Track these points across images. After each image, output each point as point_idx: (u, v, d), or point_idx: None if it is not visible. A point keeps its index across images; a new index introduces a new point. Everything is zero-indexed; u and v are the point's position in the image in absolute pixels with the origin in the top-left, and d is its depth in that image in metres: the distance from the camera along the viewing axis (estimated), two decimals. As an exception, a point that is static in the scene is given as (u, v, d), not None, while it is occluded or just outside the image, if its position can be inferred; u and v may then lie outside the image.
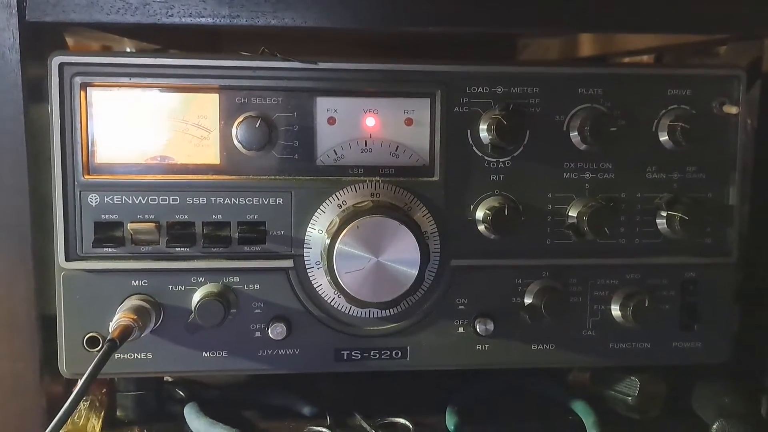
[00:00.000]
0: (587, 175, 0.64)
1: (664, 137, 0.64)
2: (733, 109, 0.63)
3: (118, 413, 0.66)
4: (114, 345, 0.54)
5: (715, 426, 0.62)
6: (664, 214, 0.64)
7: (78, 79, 0.58)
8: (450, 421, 0.65)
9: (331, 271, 0.58)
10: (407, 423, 0.66)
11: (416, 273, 0.58)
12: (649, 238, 0.65)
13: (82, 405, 0.63)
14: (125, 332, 0.55)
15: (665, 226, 0.64)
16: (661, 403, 0.68)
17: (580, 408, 0.68)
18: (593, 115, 0.62)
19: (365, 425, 0.65)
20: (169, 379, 0.72)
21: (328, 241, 0.58)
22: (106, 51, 0.65)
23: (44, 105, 0.61)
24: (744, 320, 0.71)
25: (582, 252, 0.64)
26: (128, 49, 0.87)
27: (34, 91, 0.60)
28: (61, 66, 0.58)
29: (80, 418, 0.61)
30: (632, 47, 1.01)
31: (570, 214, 0.64)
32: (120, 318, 0.56)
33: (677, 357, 0.67)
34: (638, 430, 0.68)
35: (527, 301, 0.64)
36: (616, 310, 0.65)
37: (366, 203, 0.59)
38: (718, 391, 0.67)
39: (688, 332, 0.66)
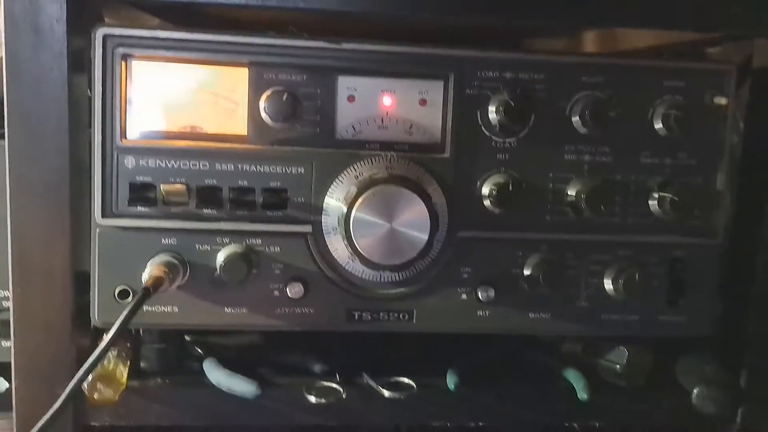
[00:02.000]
0: (586, 157, 0.69)
1: (658, 125, 0.69)
2: (723, 101, 0.68)
3: (142, 364, 0.71)
4: (148, 293, 0.58)
5: (696, 391, 0.67)
6: (656, 195, 0.69)
7: (120, 50, 0.63)
8: (451, 381, 0.70)
9: (348, 236, 0.63)
10: (411, 382, 0.71)
11: (426, 239, 0.62)
12: (641, 218, 0.70)
13: (111, 354, 0.67)
14: (158, 282, 0.60)
15: (657, 207, 0.69)
16: (647, 372, 0.73)
17: (571, 375, 0.73)
18: (594, 102, 0.67)
19: (372, 383, 0.70)
20: (188, 338, 0.76)
21: (345, 209, 0.63)
22: (148, 27, 0.69)
23: (84, 75, 0.66)
24: (728, 298, 0.75)
25: (579, 228, 0.69)
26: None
27: (77, 61, 0.64)
28: (105, 38, 0.62)
29: (110, 364, 0.65)
30: (631, 47, 1.06)
31: (569, 192, 0.68)
32: (153, 269, 0.61)
33: (663, 329, 0.71)
34: (626, 397, 0.73)
35: (526, 272, 0.69)
36: (608, 284, 0.70)
37: (381, 174, 0.64)
38: (700, 361, 0.72)
39: (675, 307, 0.71)
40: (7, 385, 0.76)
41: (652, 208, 0.69)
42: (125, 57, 0.63)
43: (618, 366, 0.72)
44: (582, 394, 0.70)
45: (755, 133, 0.74)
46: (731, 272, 0.75)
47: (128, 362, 0.69)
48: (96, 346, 0.70)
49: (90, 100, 0.64)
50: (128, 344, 0.72)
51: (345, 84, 0.66)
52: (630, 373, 0.72)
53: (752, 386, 0.73)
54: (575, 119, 0.68)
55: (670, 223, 0.69)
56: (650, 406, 0.73)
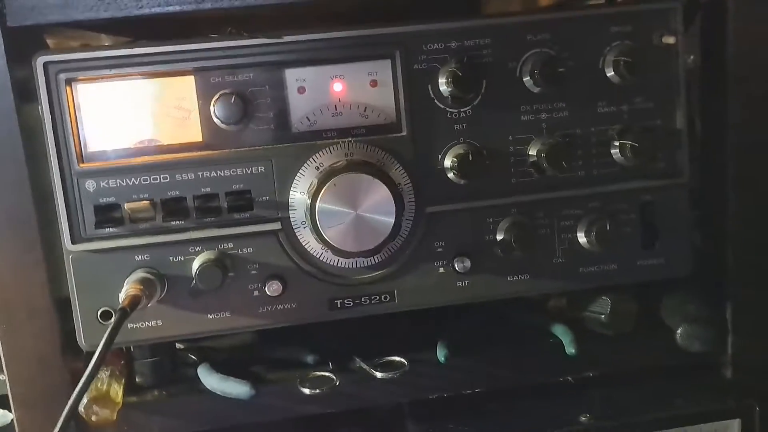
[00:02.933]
0: (543, 116, 0.69)
1: (610, 72, 0.68)
2: (671, 39, 0.68)
3: (137, 380, 0.72)
4: (125, 313, 0.59)
5: (679, 330, 0.68)
6: (616, 144, 0.69)
7: (63, 76, 0.63)
8: (440, 353, 0.71)
9: (315, 229, 0.63)
10: (402, 360, 0.72)
11: (393, 221, 0.63)
12: (605, 168, 0.70)
13: (104, 374, 0.68)
14: (134, 301, 0.60)
15: (619, 155, 0.69)
16: (633, 318, 0.74)
17: (559, 331, 0.74)
18: (542, 59, 0.67)
19: (365, 366, 0.71)
20: (181, 346, 0.78)
21: (309, 202, 0.63)
22: (86, 47, 0.69)
23: (33, 103, 0.66)
24: (704, 235, 0.76)
25: (545, 187, 0.69)
26: (106, 44, 0.91)
27: (23, 91, 0.64)
28: (46, 65, 0.62)
29: (103, 385, 0.66)
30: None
31: (530, 153, 0.69)
32: (128, 289, 0.62)
33: (642, 274, 0.72)
34: (615, 345, 0.74)
35: (499, 237, 0.69)
36: (582, 237, 0.70)
37: (340, 163, 0.64)
38: (683, 300, 0.73)
39: (651, 250, 0.72)
40: (11, 416, 0.77)
41: (615, 157, 0.70)
42: (69, 81, 0.63)
43: (603, 316, 0.73)
44: (570, 349, 0.71)
45: (710, 66, 0.74)
46: (703, 208, 0.75)
47: (123, 380, 0.70)
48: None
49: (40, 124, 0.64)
50: (122, 362, 0.73)
51: (293, 76, 0.66)
52: (616, 321, 0.73)
53: (737, 318, 0.73)
54: (527, 79, 0.68)
55: (635, 168, 0.70)
56: (639, 350, 0.74)
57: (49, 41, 0.74)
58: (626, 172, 0.70)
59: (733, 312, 0.74)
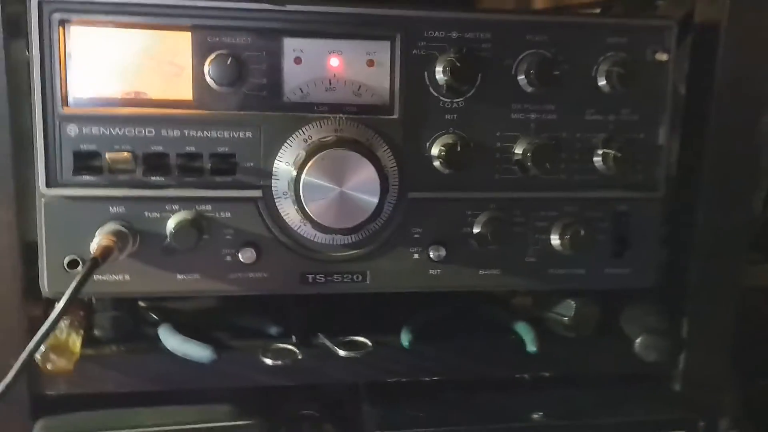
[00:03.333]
0: (532, 116, 0.70)
1: (602, 81, 0.70)
2: (664, 57, 0.70)
3: (96, 332, 0.70)
4: (96, 263, 0.58)
5: (639, 340, 0.70)
6: (600, 152, 0.70)
7: (57, 16, 0.61)
8: (405, 338, 0.72)
9: (298, 200, 0.63)
10: (366, 341, 0.72)
11: (377, 201, 0.63)
12: (586, 174, 0.71)
13: (63, 324, 0.67)
14: (106, 252, 0.59)
15: (601, 163, 0.70)
16: (594, 323, 0.75)
17: (521, 328, 0.75)
18: (539, 60, 0.67)
19: (327, 343, 0.71)
20: (143, 304, 0.77)
21: (295, 173, 0.63)
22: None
23: (22, 41, 0.64)
24: (669, 250, 0.78)
25: (526, 186, 0.70)
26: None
27: (12, 27, 0.63)
28: (40, 3, 0.60)
29: (62, 334, 0.65)
30: (581, 0, 1.07)
31: (516, 151, 0.69)
32: (101, 239, 0.61)
33: (609, 282, 0.73)
34: (574, 348, 0.75)
35: (476, 230, 0.70)
36: (555, 239, 0.71)
37: (330, 137, 0.64)
38: (643, 311, 0.75)
39: (619, 260, 0.73)
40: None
41: (596, 165, 0.71)
42: (62, 22, 0.61)
43: (566, 318, 0.74)
44: (531, 347, 0.72)
45: (696, 86, 0.76)
46: (673, 223, 0.78)
47: (82, 331, 0.69)
48: (48, 316, 0.70)
49: (28, 65, 0.63)
50: (81, 313, 0.72)
51: (291, 46, 0.65)
52: (578, 324, 0.74)
53: (693, 334, 0.76)
54: (521, 78, 0.68)
55: (614, 178, 0.71)
56: (596, 355, 0.76)
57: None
58: (605, 181, 0.71)
59: (689, 327, 0.76)
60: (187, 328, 0.71)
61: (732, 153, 0.73)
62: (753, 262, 0.97)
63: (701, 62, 0.74)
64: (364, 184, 0.63)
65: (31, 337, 0.65)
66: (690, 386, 0.77)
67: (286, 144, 0.65)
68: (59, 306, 0.57)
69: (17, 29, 0.63)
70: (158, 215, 0.65)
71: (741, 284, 0.77)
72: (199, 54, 0.64)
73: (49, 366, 0.63)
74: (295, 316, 0.76)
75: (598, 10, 1.11)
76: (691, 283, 0.76)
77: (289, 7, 0.65)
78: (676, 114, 0.74)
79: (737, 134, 0.73)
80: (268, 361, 0.68)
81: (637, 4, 1.06)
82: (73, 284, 0.57)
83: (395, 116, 0.67)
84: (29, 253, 0.66)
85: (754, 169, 0.76)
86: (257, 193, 0.66)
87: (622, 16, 0.73)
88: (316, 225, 0.64)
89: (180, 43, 0.64)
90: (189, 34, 0.64)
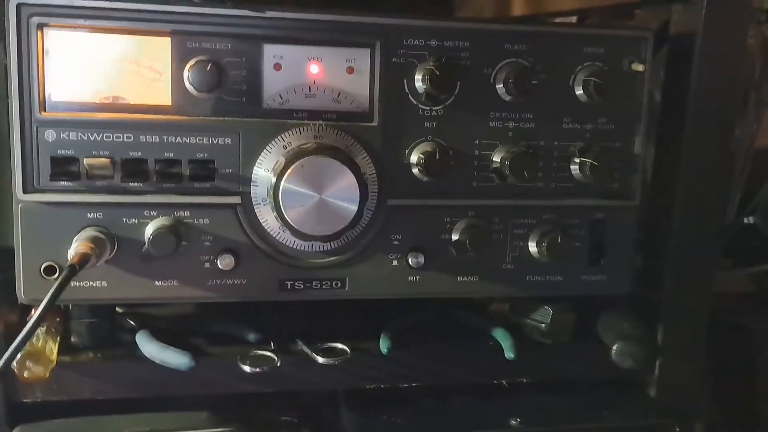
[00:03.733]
0: (510, 124, 0.70)
1: (579, 91, 0.70)
2: (640, 67, 0.71)
3: (72, 339, 0.70)
4: (73, 270, 0.58)
5: (615, 347, 0.71)
6: (577, 160, 0.71)
7: (35, 20, 0.61)
8: (383, 345, 0.72)
9: (277, 207, 0.63)
10: (345, 347, 0.72)
11: (356, 209, 0.63)
12: (563, 182, 0.72)
13: (40, 330, 0.66)
14: (84, 259, 0.59)
15: (578, 171, 0.71)
16: (571, 329, 0.76)
17: (499, 334, 0.75)
18: (517, 69, 0.68)
19: (306, 349, 0.71)
20: (120, 310, 0.76)
21: (274, 179, 0.63)
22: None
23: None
24: (645, 257, 0.79)
25: (504, 194, 0.71)
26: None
27: (-12, 30, 0.62)
28: (19, 6, 0.60)
29: (38, 341, 0.65)
30: (560, 8, 1.08)
31: (494, 159, 0.70)
32: (78, 246, 0.60)
33: (585, 288, 0.74)
34: (551, 354, 0.76)
35: (454, 237, 0.71)
36: (532, 247, 0.72)
37: (310, 144, 0.64)
38: (619, 318, 0.76)
39: (596, 267, 0.74)
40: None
41: (573, 173, 0.72)
42: (41, 26, 0.61)
43: (543, 325, 0.75)
44: (509, 354, 0.72)
45: (672, 95, 0.77)
46: (648, 230, 0.79)
47: (58, 337, 0.68)
48: (24, 321, 0.69)
49: (6, 68, 0.62)
50: (57, 319, 0.71)
51: (271, 52, 0.66)
52: (555, 331, 0.75)
53: (667, 339, 0.77)
54: (499, 87, 0.69)
55: (590, 186, 0.72)
56: (572, 361, 0.77)
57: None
58: (582, 189, 0.72)
59: (663, 334, 0.77)
60: (164, 334, 0.71)
61: (706, 161, 0.74)
62: (725, 268, 0.99)
63: (676, 72, 0.76)
64: (343, 191, 0.63)
65: (7, 343, 0.65)
66: (665, 392, 0.78)
67: (265, 150, 0.65)
68: (36, 314, 0.56)
69: (-7, 32, 0.63)
70: (136, 221, 0.65)
71: (713, 290, 0.78)
72: (178, 59, 0.64)
73: (25, 374, 0.63)
74: (272, 321, 0.75)
75: (575, 18, 1.13)
76: (666, 289, 0.77)
77: (269, 14, 0.65)
78: (651, 121, 0.76)
79: (712, 143, 0.74)
80: (247, 368, 0.68)
81: (614, 12, 1.08)
82: (51, 292, 0.57)
83: (375, 123, 0.68)
84: (4, 258, 0.66)
85: (728, 177, 0.77)
86: (236, 200, 0.66)
87: (599, 27, 0.73)
88: (295, 232, 0.64)
89: (159, 48, 0.64)
90: (168, 39, 0.64)
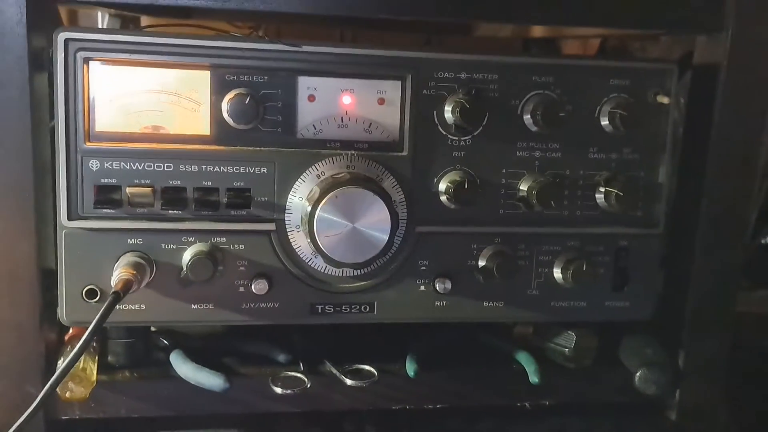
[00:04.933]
0: (537, 154, 0.72)
1: (605, 122, 0.72)
2: (665, 99, 0.72)
3: (109, 359, 0.72)
4: (118, 297, 0.60)
5: (638, 373, 0.72)
6: (602, 189, 0.72)
7: (81, 54, 0.63)
8: (409, 367, 0.73)
9: (311, 235, 0.65)
10: (372, 369, 0.74)
11: (387, 238, 0.65)
12: (588, 211, 0.74)
13: (80, 351, 0.68)
14: (127, 285, 0.61)
15: (603, 200, 0.73)
16: (593, 354, 0.77)
17: (523, 358, 0.77)
18: (545, 101, 0.70)
19: (334, 371, 0.73)
20: (153, 329, 0.78)
21: (309, 208, 0.65)
22: (107, 30, 0.69)
23: (44, 75, 0.66)
24: (667, 283, 0.80)
25: (530, 221, 0.73)
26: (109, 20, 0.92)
27: (37, 62, 0.65)
28: (66, 41, 0.63)
29: (80, 363, 0.66)
30: (580, 33, 1.09)
31: (521, 188, 0.72)
32: (121, 273, 0.62)
33: (609, 314, 0.76)
34: (573, 378, 0.77)
35: (481, 263, 0.72)
36: (557, 273, 0.74)
37: (343, 174, 0.66)
38: (641, 343, 0.77)
39: (619, 293, 0.76)
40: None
41: (598, 201, 0.73)
42: (86, 60, 0.63)
43: (567, 350, 0.76)
44: (534, 378, 0.74)
45: (694, 125, 0.78)
46: (671, 257, 0.80)
47: (96, 357, 0.71)
48: (63, 340, 0.72)
49: (50, 99, 0.65)
50: (95, 339, 0.73)
51: (305, 84, 0.68)
52: (578, 355, 0.76)
53: (689, 364, 0.78)
54: (527, 117, 0.71)
55: (615, 215, 0.73)
56: (594, 385, 0.78)
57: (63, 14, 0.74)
58: (606, 217, 0.74)
59: (685, 358, 0.79)
60: (196, 353, 0.73)
61: (729, 192, 0.75)
62: (743, 289, 1.00)
63: (700, 102, 0.77)
64: (375, 221, 0.65)
65: (47, 361, 0.68)
66: (686, 416, 0.79)
67: (299, 179, 0.68)
68: (82, 339, 0.59)
69: (40, 64, 0.65)
70: (174, 246, 0.67)
71: (734, 315, 0.79)
72: (218, 91, 0.66)
73: (67, 394, 0.65)
74: (301, 342, 0.77)
75: (598, 40, 1.14)
76: (688, 314, 0.78)
77: (305, 48, 0.67)
78: (675, 149, 0.77)
79: (735, 173, 0.75)
80: (278, 390, 0.70)
81: (634, 38, 1.09)
82: (97, 318, 0.59)
83: (405, 153, 0.70)
84: (47, 279, 0.68)
85: (750, 206, 0.78)
86: (271, 226, 0.68)
87: (624, 59, 0.75)
88: (327, 259, 0.66)
89: (199, 80, 0.66)
90: (208, 72, 0.66)
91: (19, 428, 0.58)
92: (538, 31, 1.16)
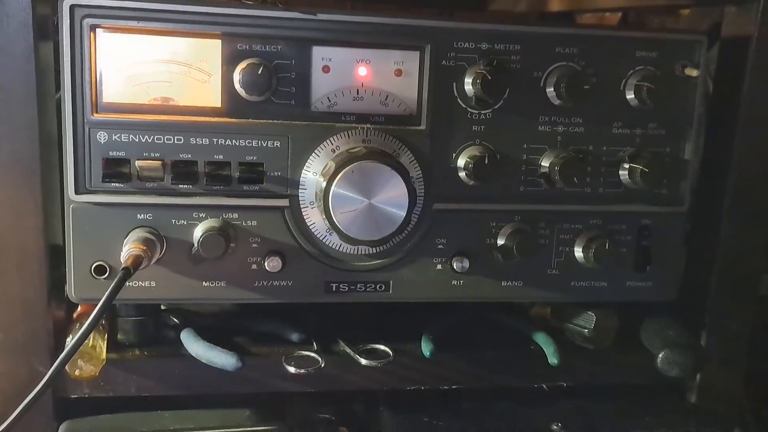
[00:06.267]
0: (560, 129, 0.69)
1: (630, 95, 0.69)
2: (694, 72, 0.69)
3: (119, 337, 0.71)
4: (128, 272, 0.58)
5: (660, 355, 0.70)
6: (626, 166, 0.70)
7: (88, 21, 0.61)
8: (425, 347, 0.72)
9: (326, 211, 0.63)
10: (387, 349, 0.72)
11: (404, 214, 0.63)
12: (611, 188, 0.71)
13: (89, 329, 0.67)
14: (137, 261, 0.59)
15: (627, 177, 0.70)
16: (613, 335, 0.75)
17: (541, 339, 0.75)
18: (568, 73, 0.67)
19: (348, 350, 0.71)
20: (164, 307, 0.77)
21: (324, 184, 0.63)
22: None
23: (49, 43, 0.64)
24: (689, 263, 0.78)
25: (551, 199, 0.70)
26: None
27: (42, 30, 0.62)
28: (72, 8, 0.60)
29: (89, 340, 0.65)
30: (600, 5, 1.06)
31: (542, 164, 0.69)
32: (131, 248, 0.61)
33: (631, 294, 0.74)
34: (593, 359, 0.76)
35: (500, 242, 0.70)
36: (578, 252, 0.72)
37: (359, 149, 0.64)
38: (663, 325, 0.75)
39: (642, 273, 0.73)
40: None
41: (622, 178, 0.71)
42: (93, 27, 0.61)
43: (587, 330, 0.75)
44: (553, 359, 0.72)
45: (722, 99, 0.76)
46: (694, 236, 0.78)
47: (105, 335, 0.69)
48: (71, 316, 0.70)
49: (56, 69, 0.62)
50: (104, 317, 0.72)
51: (320, 54, 0.65)
52: (598, 336, 0.75)
53: (711, 347, 0.76)
54: (549, 90, 0.68)
55: (639, 192, 0.71)
56: (614, 366, 0.76)
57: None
58: (630, 195, 0.71)
59: (707, 340, 0.77)
60: (207, 331, 0.72)
61: (758, 169, 0.73)
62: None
63: (728, 75, 0.74)
64: (392, 197, 0.62)
65: (55, 338, 0.67)
66: (707, 398, 0.78)
67: (313, 154, 0.65)
68: (92, 317, 0.57)
69: (46, 32, 0.63)
70: (185, 222, 0.65)
71: (758, 298, 0.77)
72: (229, 61, 0.64)
73: (77, 372, 0.64)
74: (314, 321, 0.76)
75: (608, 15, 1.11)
76: (712, 296, 0.76)
77: (320, 16, 0.64)
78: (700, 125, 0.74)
79: (762, 150, 0.73)
80: (292, 369, 0.68)
81: (656, 10, 1.06)
82: (106, 295, 0.57)
83: (422, 127, 0.67)
84: (55, 255, 0.66)
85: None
86: (284, 202, 0.66)
87: (648, 30, 0.72)
88: (342, 236, 0.63)
89: (209, 49, 0.64)
90: (219, 41, 0.63)
91: (28, 406, 0.56)
92: (555, 4, 1.13)
